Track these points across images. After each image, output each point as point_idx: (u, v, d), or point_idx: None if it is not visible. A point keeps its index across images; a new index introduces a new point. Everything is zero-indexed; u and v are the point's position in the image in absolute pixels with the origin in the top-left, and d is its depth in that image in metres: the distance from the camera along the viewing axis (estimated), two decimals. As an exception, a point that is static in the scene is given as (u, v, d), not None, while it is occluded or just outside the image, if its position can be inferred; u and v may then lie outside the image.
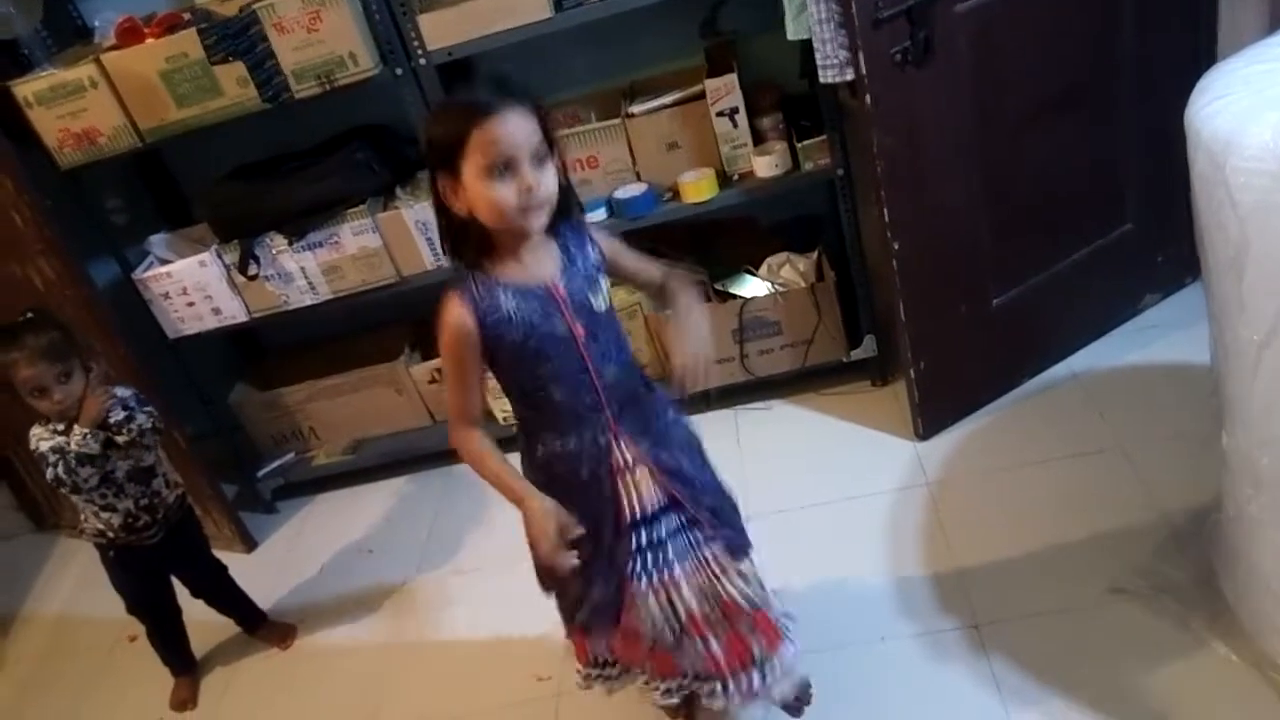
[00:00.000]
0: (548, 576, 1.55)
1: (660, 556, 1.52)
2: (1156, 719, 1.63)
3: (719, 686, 1.61)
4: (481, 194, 1.30)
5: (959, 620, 1.91)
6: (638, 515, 1.50)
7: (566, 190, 1.40)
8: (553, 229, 1.41)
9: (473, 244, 1.38)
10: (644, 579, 1.53)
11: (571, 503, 1.47)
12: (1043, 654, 1.79)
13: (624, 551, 1.52)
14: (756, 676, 1.60)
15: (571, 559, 1.42)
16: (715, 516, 1.56)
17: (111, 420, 1.98)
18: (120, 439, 1.99)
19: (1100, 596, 1.85)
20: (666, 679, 1.67)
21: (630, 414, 1.49)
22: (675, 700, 1.71)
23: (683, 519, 1.54)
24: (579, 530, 1.43)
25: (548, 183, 1.32)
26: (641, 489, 1.50)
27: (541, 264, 1.40)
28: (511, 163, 1.29)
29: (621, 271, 1.53)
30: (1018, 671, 1.77)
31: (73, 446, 1.94)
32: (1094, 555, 1.94)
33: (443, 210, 1.36)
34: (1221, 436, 1.63)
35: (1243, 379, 1.47)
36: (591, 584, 1.56)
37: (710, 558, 1.55)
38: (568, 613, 1.65)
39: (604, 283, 1.45)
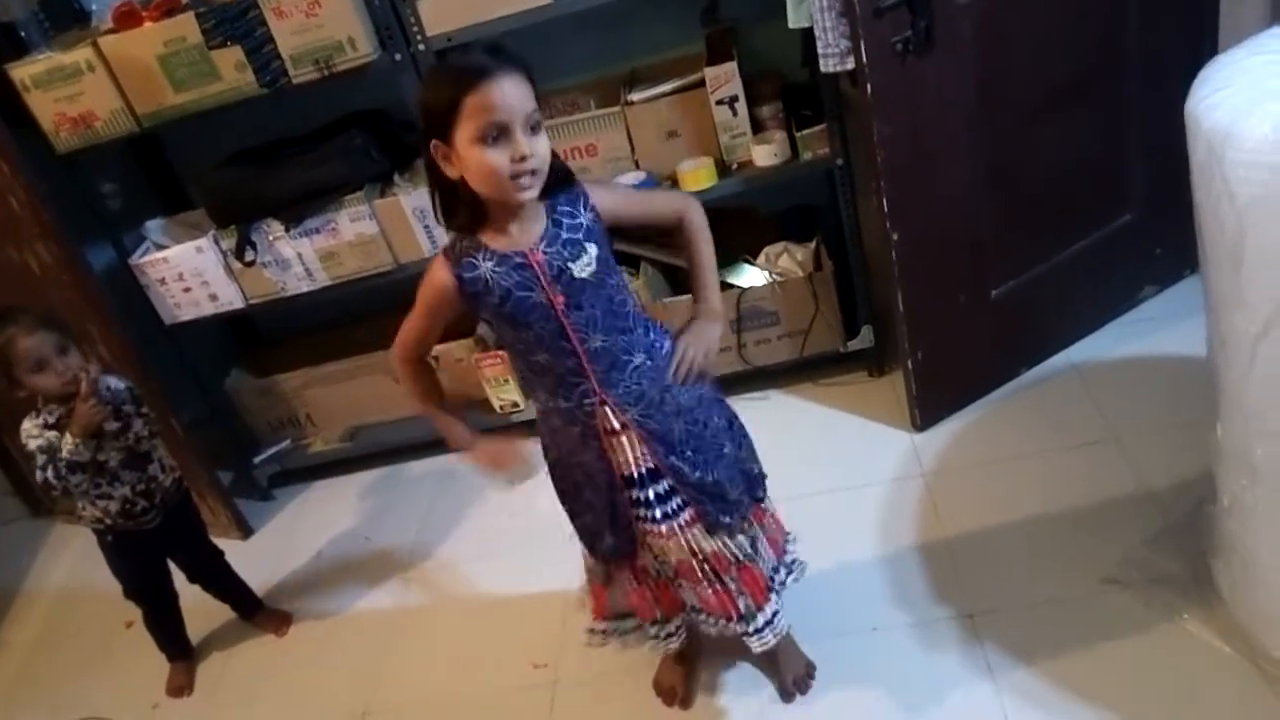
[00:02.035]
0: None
1: (649, 513, 1.59)
2: (1148, 708, 1.64)
3: (714, 619, 1.70)
4: (474, 160, 1.30)
5: (953, 609, 1.91)
6: (628, 473, 1.55)
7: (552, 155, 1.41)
8: (545, 195, 1.40)
9: (463, 209, 1.39)
10: (639, 526, 1.61)
11: (573, 455, 1.56)
12: (1036, 643, 1.79)
13: (624, 504, 1.59)
14: (741, 627, 1.69)
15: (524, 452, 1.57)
16: (700, 490, 1.58)
17: (107, 429, 1.97)
18: (114, 445, 2.00)
19: (1094, 587, 1.86)
20: (671, 618, 1.76)
21: (621, 381, 1.49)
22: (677, 644, 1.80)
23: (667, 485, 1.58)
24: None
25: (541, 150, 1.32)
26: (628, 453, 1.54)
27: (526, 232, 1.40)
28: (505, 129, 1.28)
29: (629, 222, 1.53)
30: (1011, 661, 1.78)
31: (64, 454, 1.92)
32: (1088, 546, 1.95)
33: (434, 172, 1.37)
34: (1217, 428, 1.63)
35: (1239, 370, 1.48)
36: (599, 536, 1.64)
37: (684, 525, 1.60)
38: (589, 550, 1.72)
39: (592, 249, 1.41)
